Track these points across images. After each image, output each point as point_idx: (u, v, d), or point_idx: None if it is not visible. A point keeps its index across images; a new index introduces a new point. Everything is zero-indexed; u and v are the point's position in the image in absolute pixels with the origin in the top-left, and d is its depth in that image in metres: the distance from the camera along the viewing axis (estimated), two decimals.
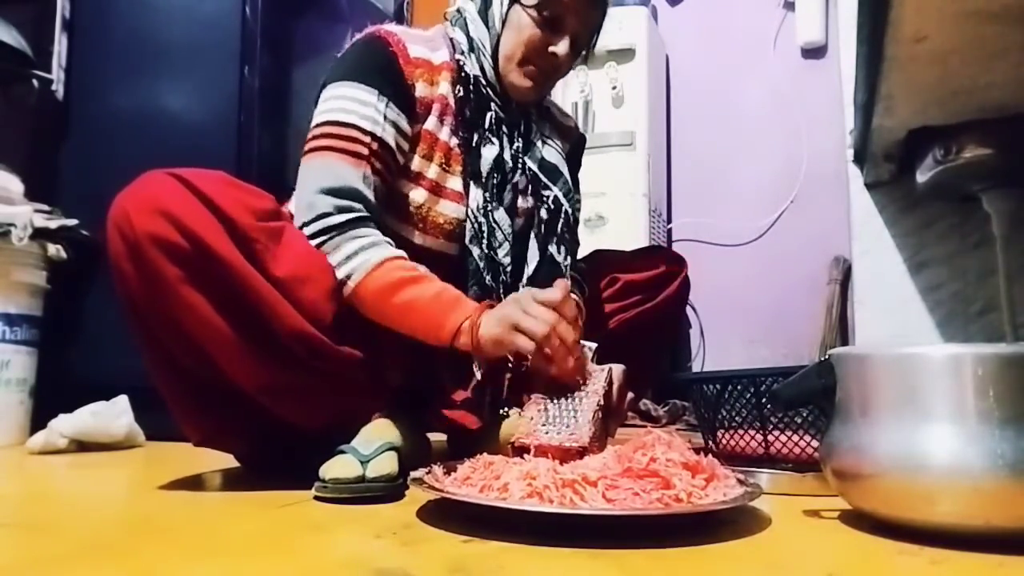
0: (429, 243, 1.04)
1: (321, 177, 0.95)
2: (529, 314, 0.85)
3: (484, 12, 1.06)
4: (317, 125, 0.98)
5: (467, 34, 1.06)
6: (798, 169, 2.57)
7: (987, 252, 1.46)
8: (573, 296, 0.96)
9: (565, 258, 1.11)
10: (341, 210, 0.93)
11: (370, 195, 0.96)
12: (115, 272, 0.85)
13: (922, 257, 1.61)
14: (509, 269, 1.07)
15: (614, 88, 2.47)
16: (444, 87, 1.04)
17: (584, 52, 1.10)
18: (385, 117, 0.98)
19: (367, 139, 0.96)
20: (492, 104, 1.06)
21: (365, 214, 0.95)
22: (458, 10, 1.10)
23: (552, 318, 0.85)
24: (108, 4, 1.73)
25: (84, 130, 1.72)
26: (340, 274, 0.92)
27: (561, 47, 1.02)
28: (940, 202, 1.56)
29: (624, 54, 2.48)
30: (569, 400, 0.85)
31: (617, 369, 0.91)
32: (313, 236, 0.93)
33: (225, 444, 1.02)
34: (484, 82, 1.06)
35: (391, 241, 0.96)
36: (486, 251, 1.04)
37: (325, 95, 1.00)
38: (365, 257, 0.92)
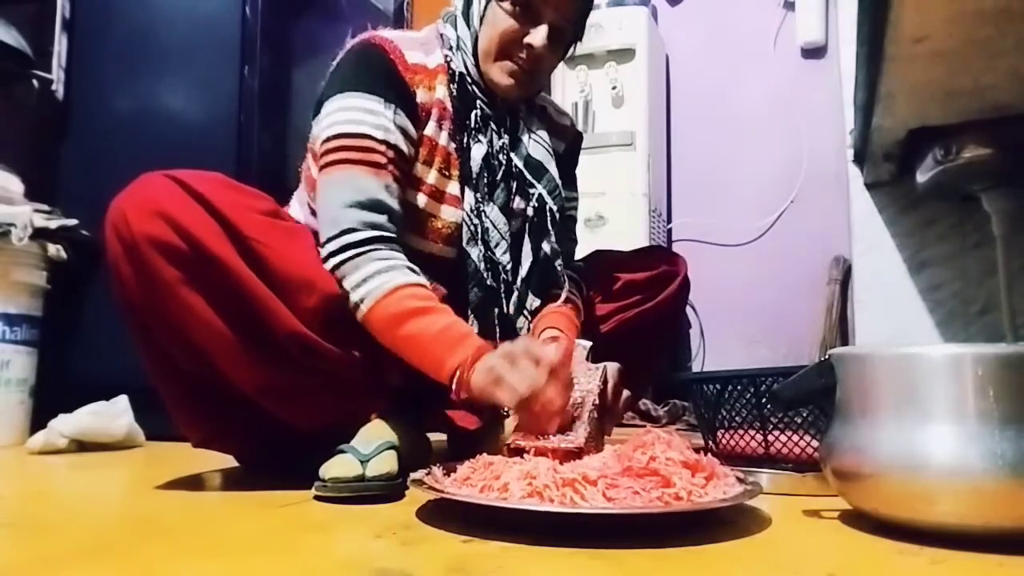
0: (430, 248, 1.03)
1: (344, 191, 0.93)
2: (517, 369, 0.80)
3: (466, 11, 1.06)
4: (329, 139, 0.96)
5: (455, 32, 1.06)
6: (798, 169, 2.57)
7: (987, 252, 1.46)
8: (581, 345, 0.94)
9: (556, 256, 1.10)
10: (366, 225, 0.92)
11: (394, 204, 0.95)
12: (113, 274, 0.85)
13: (922, 257, 1.61)
14: (509, 268, 1.06)
15: (614, 88, 2.47)
16: (441, 91, 1.04)
17: (572, 47, 1.08)
18: (395, 124, 0.97)
19: (383, 147, 0.95)
20: (478, 101, 1.05)
21: (389, 233, 0.93)
22: (451, 12, 1.09)
23: (539, 379, 0.78)
24: (108, 4, 1.74)
25: (84, 130, 1.72)
26: (354, 297, 0.90)
27: (536, 38, 0.99)
28: (940, 202, 1.56)
29: (624, 54, 2.48)
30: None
31: (612, 367, 0.90)
32: (336, 252, 0.91)
33: (224, 445, 1.02)
34: (469, 80, 1.05)
35: (413, 267, 0.93)
36: (483, 251, 1.04)
37: (329, 108, 0.98)
38: (380, 282, 0.90)
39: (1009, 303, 1.37)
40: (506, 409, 1.00)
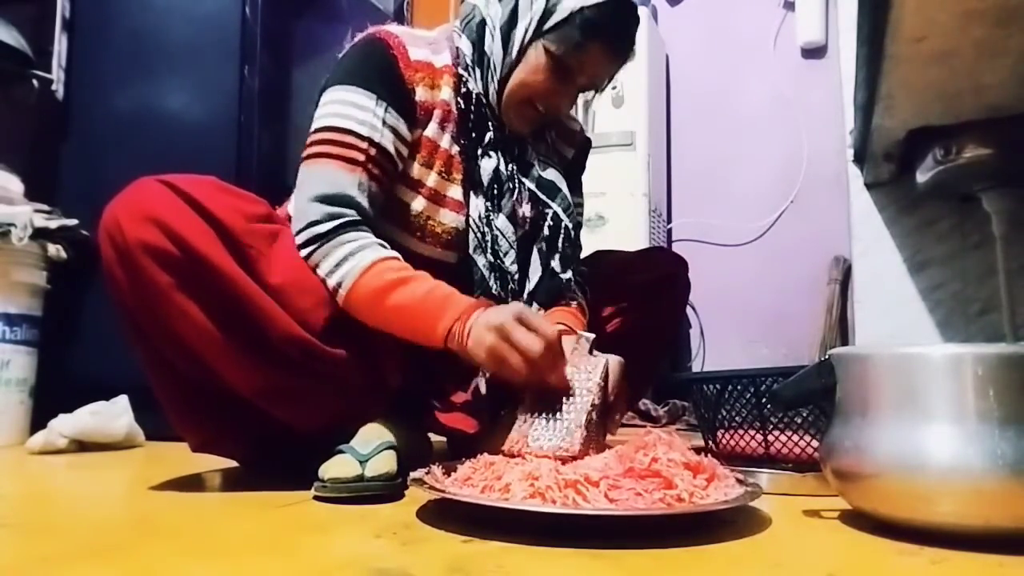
0: (428, 252, 1.02)
1: (315, 184, 0.94)
2: (516, 343, 0.81)
3: (507, 31, 1.01)
4: (315, 131, 0.97)
5: (480, 46, 1.03)
6: (798, 169, 2.57)
7: (987, 252, 1.47)
8: (584, 337, 0.95)
9: (565, 271, 1.09)
10: (331, 217, 0.92)
11: (364, 201, 0.95)
12: (108, 280, 0.84)
13: (922, 257, 1.61)
14: (517, 276, 1.05)
15: (614, 88, 2.47)
16: (446, 92, 1.02)
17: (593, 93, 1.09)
18: (383, 122, 0.96)
19: (364, 145, 0.95)
20: (490, 124, 1.04)
21: (356, 218, 0.93)
22: (477, 18, 1.04)
23: (550, 334, 0.82)
24: (108, 4, 1.74)
25: (84, 130, 1.72)
26: (332, 282, 0.90)
27: (564, 101, 1.03)
28: (940, 202, 1.56)
29: None
30: (560, 403, 0.82)
31: (613, 361, 0.88)
32: (303, 245, 0.92)
33: (223, 448, 1.02)
34: (485, 102, 1.04)
35: (383, 243, 0.93)
36: (491, 259, 1.03)
37: (324, 99, 0.98)
38: (354, 263, 0.90)
39: (1009, 303, 1.37)
40: (504, 412, 1.00)
